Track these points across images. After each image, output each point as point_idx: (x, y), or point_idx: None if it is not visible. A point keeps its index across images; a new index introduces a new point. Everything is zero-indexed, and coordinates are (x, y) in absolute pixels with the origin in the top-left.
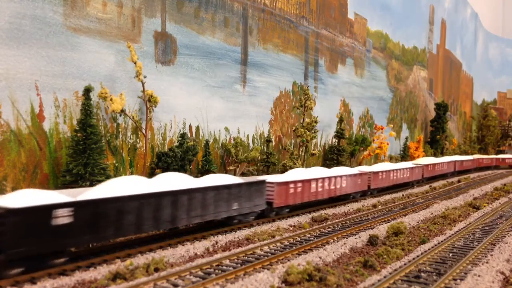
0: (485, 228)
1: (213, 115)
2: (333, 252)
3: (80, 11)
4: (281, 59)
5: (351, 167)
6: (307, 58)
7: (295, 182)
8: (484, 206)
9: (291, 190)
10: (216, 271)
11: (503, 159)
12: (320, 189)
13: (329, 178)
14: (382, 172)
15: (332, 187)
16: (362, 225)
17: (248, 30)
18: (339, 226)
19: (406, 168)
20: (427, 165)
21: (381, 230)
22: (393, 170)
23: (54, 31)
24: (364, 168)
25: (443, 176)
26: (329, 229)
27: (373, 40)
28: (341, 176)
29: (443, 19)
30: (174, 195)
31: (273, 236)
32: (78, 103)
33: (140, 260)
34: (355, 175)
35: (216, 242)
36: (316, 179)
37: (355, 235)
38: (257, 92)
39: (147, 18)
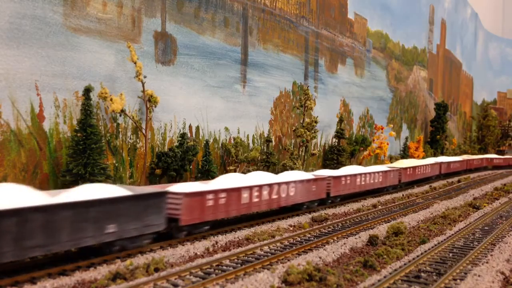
0: (485, 228)
1: (213, 115)
2: (333, 252)
3: (80, 11)
4: (281, 59)
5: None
6: (307, 58)
7: (215, 191)
8: (484, 206)
9: (210, 202)
10: (216, 271)
11: (491, 159)
12: (256, 200)
13: (270, 185)
14: (345, 176)
15: (275, 196)
16: (362, 225)
17: (248, 30)
18: (339, 226)
19: (378, 172)
20: (405, 169)
21: (381, 230)
22: (360, 174)
23: (54, 31)
24: (323, 172)
25: (426, 181)
26: (329, 229)
27: (373, 40)
28: (288, 183)
29: (443, 19)
30: None
31: (273, 236)
32: (78, 103)
33: (140, 260)
34: (308, 180)
35: (216, 242)
36: (250, 187)
37: (355, 235)
38: (257, 92)
39: (147, 18)
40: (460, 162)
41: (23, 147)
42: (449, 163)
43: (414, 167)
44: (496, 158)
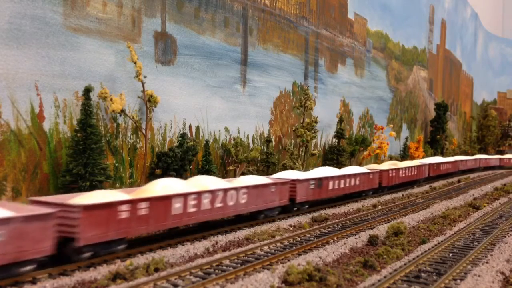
0: (485, 228)
1: (213, 115)
2: (333, 252)
3: (80, 11)
4: (281, 59)
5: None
6: (307, 58)
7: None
8: (484, 206)
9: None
10: (216, 271)
11: (437, 164)
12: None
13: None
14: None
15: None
16: (362, 225)
17: (248, 30)
18: (339, 226)
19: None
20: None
21: (381, 230)
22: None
23: (54, 31)
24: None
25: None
26: (329, 229)
27: (373, 40)
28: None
29: (443, 19)
30: None
31: (273, 236)
32: (78, 103)
33: (140, 260)
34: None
35: (216, 242)
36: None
37: (355, 235)
38: (257, 92)
39: (147, 18)
40: (368, 176)
41: (23, 147)
42: (343, 177)
43: (253, 186)
44: (444, 163)
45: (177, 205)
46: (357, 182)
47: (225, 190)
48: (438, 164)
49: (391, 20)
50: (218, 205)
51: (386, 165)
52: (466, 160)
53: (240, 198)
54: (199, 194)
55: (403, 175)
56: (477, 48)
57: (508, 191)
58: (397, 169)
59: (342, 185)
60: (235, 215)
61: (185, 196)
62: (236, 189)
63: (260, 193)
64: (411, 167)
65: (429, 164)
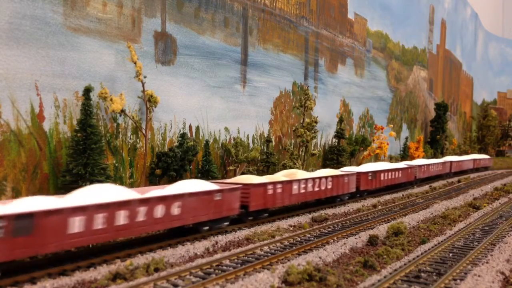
0: (485, 228)
1: (213, 115)
2: (333, 252)
3: (80, 11)
4: (281, 59)
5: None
6: (307, 58)
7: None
8: (484, 206)
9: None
10: (216, 271)
11: (373, 174)
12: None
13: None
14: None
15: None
16: (362, 225)
17: (248, 30)
18: (339, 226)
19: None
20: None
21: (381, 230)
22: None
23: (54, 31)
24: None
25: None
26: (329, 229)
27: (373, 40)
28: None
29: (443, 19)
30: None
31: (273, 236)
32: (78, 103)
33: (140, 260)
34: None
35: (216, 242)
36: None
37: (355, 235)
38: (257, 92)
39: (147, 18)
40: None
41: (23, 147)
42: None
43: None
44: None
45: None
46: (176, 211)
47: None
48: (375, 173)
49: (391, 20)
50: None
51: (277, 176)
52: (428, 165)
53: None
54: None
55: (302, 191)
56: (477, 48)
57: (508, 191)
58: (288, 183)
59: (123, 221)
60: None
61: None
62: None
63: None
64: (320, 178)
65: (358, 174)
